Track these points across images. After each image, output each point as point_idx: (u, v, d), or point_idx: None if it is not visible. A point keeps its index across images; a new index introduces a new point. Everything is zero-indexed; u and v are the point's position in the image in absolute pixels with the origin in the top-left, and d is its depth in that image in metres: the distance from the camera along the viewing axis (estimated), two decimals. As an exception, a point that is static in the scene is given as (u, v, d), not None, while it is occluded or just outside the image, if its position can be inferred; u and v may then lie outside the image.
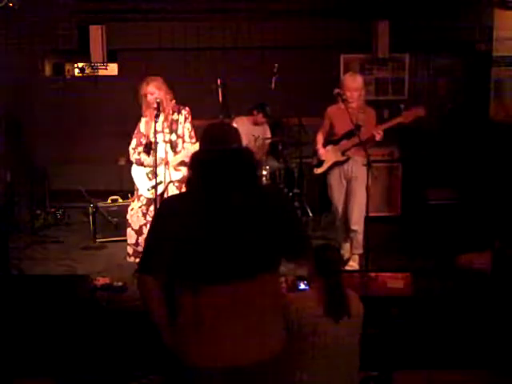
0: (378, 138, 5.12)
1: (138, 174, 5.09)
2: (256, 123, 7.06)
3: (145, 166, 5.04)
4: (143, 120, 5.07)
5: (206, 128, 2.64)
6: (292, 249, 2.54)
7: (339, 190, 5.40)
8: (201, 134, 2.65)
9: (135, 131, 5.09)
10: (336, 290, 3.07)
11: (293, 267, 3.00)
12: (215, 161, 2.47)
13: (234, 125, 4.79)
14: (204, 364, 2.41)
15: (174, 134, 4.97)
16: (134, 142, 5.09)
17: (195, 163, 2.55)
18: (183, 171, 5.00)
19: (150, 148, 4.98)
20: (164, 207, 2.62)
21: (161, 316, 2.50)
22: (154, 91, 4.89)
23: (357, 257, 5.37)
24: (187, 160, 4.91)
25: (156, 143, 4.76)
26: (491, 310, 4.34)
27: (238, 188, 2.46)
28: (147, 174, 5.04)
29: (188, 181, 2.59)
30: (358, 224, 5.29)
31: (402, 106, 8.05)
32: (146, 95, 4.91)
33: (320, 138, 5.49)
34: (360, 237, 5.30)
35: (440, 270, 5.17)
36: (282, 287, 4.08)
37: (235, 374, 2.41)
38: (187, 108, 5.03)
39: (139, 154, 5.05)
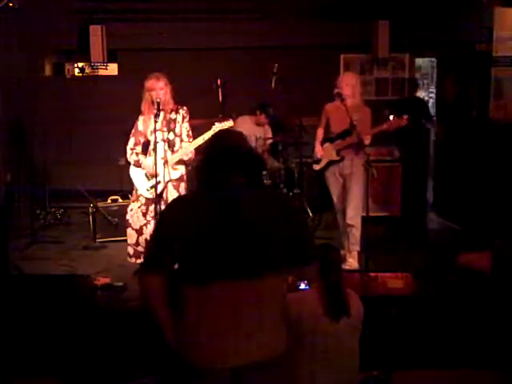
0: (366, 142, 5.23)
1: (137, 175, 5.07)
2: (258, 123, 7.06)
3: (143, 168, 5.03)
4: (141, 118, 5.05)
5: (216, 133, 2.73)
6: (297, 256, 2.54)
7: (336, 185, 5.49)
8: (210, 138, 2.77)
9: (133, 130, 5.07)
10: (336, 289, 3.07)
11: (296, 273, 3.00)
12: (225, 158, 2.50)
13: (231, 122, 4.87)
14: (206, 363, 2.42)
15: (171, 133, 4.96)
16: (131, 142, 5.06)
17: (205, 161, 2.57)
18: (181, 170, 5.00)
19: (147, 147, 4.98)
20: (171, 206, 2.64)
21: (164, 315, 2.51)
22: (163, 87, 4.89)
23: (355, 253, 5.39)
24: (186, 158, 4.94)
25: (156, 142, 4.76)
26: (491, 310, 4.34)
27: (247, 187, 2.48)
28: (146, 174, 5.03)
29: (196, 179, 2.61)
30: (354, 219, 5.35)
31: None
32: (154, 90, 4.88)
33: (319, 135, 5.58)
34: (357, 233, 5.36)
35: (440, 269, 5.17)
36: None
37: (237, 373, 2.42)
38: (185, 108, 5.03)
39: (137, 154, 5.03)
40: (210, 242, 2.41)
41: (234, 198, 2.45)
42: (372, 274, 4.62)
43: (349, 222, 5.38)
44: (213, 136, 2.79)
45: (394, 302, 4.43)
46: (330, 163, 5.46)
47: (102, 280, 4.97)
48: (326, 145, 5.48)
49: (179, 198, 2.93)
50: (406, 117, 5.24)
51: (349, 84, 5.31)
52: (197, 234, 2.42)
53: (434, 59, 9.21)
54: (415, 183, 7.48)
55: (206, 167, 2.55)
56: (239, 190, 2.47)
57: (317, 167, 5.61)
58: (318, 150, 5.52)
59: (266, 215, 2.46)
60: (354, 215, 5.35)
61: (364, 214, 5.22)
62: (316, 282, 3.10)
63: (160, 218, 2.69)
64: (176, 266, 2.51)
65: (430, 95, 9.30)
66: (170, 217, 2.55)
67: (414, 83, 8.04)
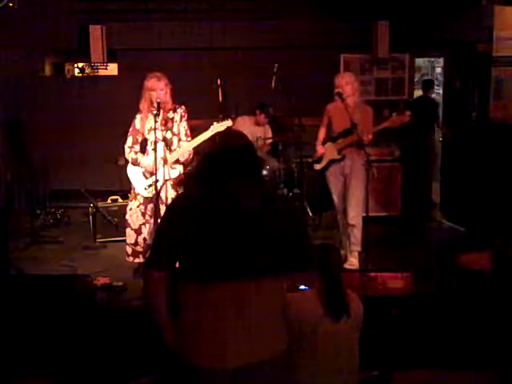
0: (368, 140, 5.22)
1: (135, 173, 5.07)
2: (258, 123, 7.07)
3: (141, 167, 5.03)
4: (138, 117, 5.04)
5: (222, 133, 2.70)
6: (297, 262, 2.55)
7: (337, 185, 5.48)
8: (218, 140, 2.74)
9: (131, 128, 5.07)
10: (336, 289, 3.07)
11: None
12: (227, 160, 2.49)
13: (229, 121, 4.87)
14: (206, 364, 2.41)
15: (169, 132, 4.96)
16: (130, 140, 5.05)
17: (207, 162, 2.57)
18: (179, 169, 5.00)
19: (145, 146, 4.98)
20: (175, 204, 2.65)
21: (164, 314, 2.51)
22: (163, 87, 4.89)
23: (356, 253, 5.39)
24: (182, 159, 4.94)
25: (156, 142, 4.76)
26: (491, 310, 4.34)
27: (249, 188, 2.48)
28: (143, 173, 5.03)
29: (198, 179, 2.60)
30: (355, 219, 5.34)
31: (403, 105, 8.04)
32: (154, 90, 4.87)
33: (321, 135, 5.59)
34: (358, 233, 5.35)
35: (440, 270, 5.17)
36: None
37: (236, 373, 2.42)
38: (183, 107, 5.03)
39: (136, 153, 5.03)
40: (211, 242, 2.41)
41: (235, 198, 2.45)
42: (372, 274, 4.61)
43: (350, 222, 5.38)
44: (219, 139, 2.80)
45: (394, 302, 4.42)
46: (331, 162, 5.45)
47: (102, 280, 4.97)
48: (328, 144, 5.48)
49: (183, 196, 2.89)
50: (408, 113, 5.24)
51: (349, 83, 5.31)
52: (198, 234, 2.42)
53: (433, 59, 9.21)
54: (416, 183, 7.48)
55: (208, 168, 2.54)
56: (240, 190, 2.47)
57: (318, 167, 5.60)
58: (319, 150, 5.52)
59: (266, 216, 2.46)
60: (355, 215, 5.35)
61: (364, 214, 5.22)
62: (316, 281, 3.10)
63: (164, 215, 2.68)
64: (177, 265, 2.52)
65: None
66: (172, 215, 2.55)
67: (429, 83, 8.05)
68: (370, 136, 5.24)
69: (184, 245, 2.44)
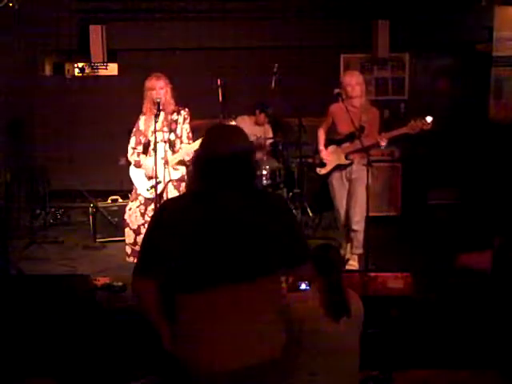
0: (382, 145, 5.08)
1: (137, 175, 5.07)
2: (258, 123, 7.06)
3: (143, 169, 5.02)
4: (142, 118, 5.05)
5: (210, 129, 2.58)
6: (291, 256, 2.51)
7: (341, 190, 5.35)
8: (205, 135, 2.57)
9: (134, 129, 5.07)
10: (336, 289, 3.07)
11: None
12: (217, 166, 2.43)
13: (234, 123, 4.85)
14: (204, 367, 2.40)
15: (172, 134, 4.96)
16: (133, 141, 5.06)
17: (197, 167, 2.52)
18: (182, 170, 5.00)
19: (147, 147, 4.98)
20: (163, 210, 2.59)
21: (159, 320, 2.48)
22: (163, 86, 4.89)
23: (357, 256, 5.37)
24: (187, 159, 4.93)
25: (156, 142, 4.76)
26: (491, 310, 4.34)
27: (239, 191, 2.45)
28: (145, 175, 5.03)
29: (189, 183, 2.57)
30: (359, 224, 5.26)
31: (403, 105, 8.06)
32: (154, 89, 4.87)
33: (322, 136, 5.44)
34: (361, 236, 5.29)
35: (440, 269, 5.17)
36: (283, 287, 4.07)
37: (235, 376, 2.41)
38: (186, 109, 5.03)
39: (138, 155, 5.03)
40: (203, 247, 2.38)
41: (226, 202, 2.42)
42: (372, 274, 4.61)
43: (354, 227, 5.27)
44: (206, 134, 2.57)
45: (394, 302, 4.43)
46: (337, 167, 5.31)
47: (102, 280, 4.96)
48: (333, 148, 5.33)
49: (170, 202, 2.79)
50: (430, 120, 4.88)
51: (359, 83, 5.17)
52: (189, 240, 2.38)
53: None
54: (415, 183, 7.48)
55: (198, 171, 2.50)
56: (230, 194, 2.43)
57: (322, 171, 5.41)
58: (324, 155, 5.35)
59: (257, 218, 2.42)
60: (359, 219, 5.24)
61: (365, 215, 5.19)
62: (315, 281, 3.10)
63: (151, 222, 2.60)
64: (170, 271, 2.46)
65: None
66: (161, 221, 2.48)
67: None
68: (386, 140, 5.04)
69: (173, 252, 2.39)
